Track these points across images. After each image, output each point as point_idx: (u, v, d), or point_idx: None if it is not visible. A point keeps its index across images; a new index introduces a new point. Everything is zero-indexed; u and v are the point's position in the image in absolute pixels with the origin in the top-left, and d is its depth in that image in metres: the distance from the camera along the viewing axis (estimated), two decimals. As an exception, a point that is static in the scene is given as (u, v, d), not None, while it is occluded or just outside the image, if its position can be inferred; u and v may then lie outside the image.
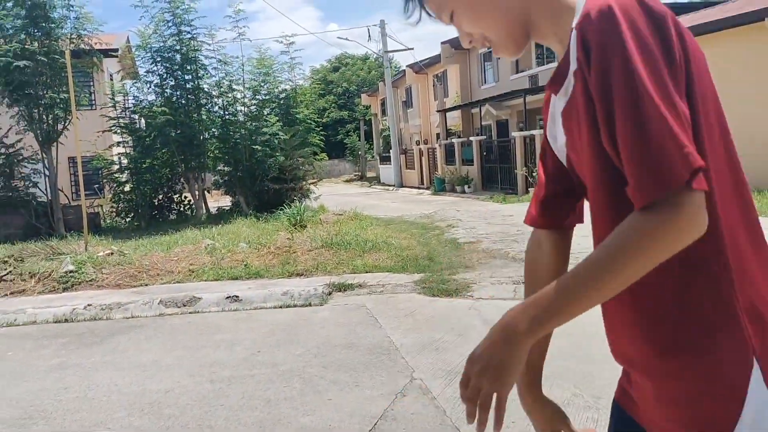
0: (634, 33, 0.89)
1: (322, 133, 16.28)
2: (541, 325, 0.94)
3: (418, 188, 27.21)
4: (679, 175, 0.84)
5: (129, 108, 14.74)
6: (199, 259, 8.53)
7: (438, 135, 28.88)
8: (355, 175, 43.70)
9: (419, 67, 30.74)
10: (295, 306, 6.49)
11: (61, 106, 12.78)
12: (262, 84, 15.14)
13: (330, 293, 6.81)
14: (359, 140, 43.81)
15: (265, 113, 14.94)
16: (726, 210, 0.95)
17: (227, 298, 6.70)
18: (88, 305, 6.66)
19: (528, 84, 21.54)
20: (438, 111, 28.84)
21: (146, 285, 7.60)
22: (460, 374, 1.02)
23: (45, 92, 12.80)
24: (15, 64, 11.83)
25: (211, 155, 15.12)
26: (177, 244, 9.61)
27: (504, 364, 0.96)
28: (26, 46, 12.31)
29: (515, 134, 19.17)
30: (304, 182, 15.45)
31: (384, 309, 6.07)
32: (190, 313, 6.46)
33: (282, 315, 6.19)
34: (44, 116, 13.00)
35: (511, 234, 10.12)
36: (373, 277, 7.32)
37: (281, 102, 15.28)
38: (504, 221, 12.03)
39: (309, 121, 15.40)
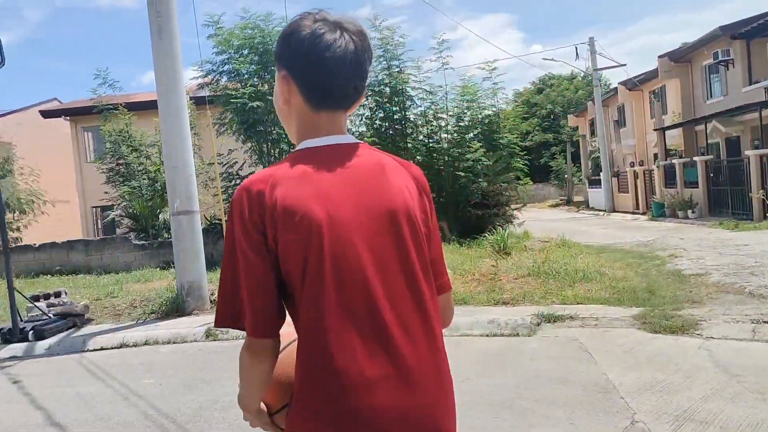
0: None
1: (525, 156, 15.98)
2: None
3: (633, 213, 25.49)
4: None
5: (350, 136, 15.82)
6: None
7: (655, 155, 26.85)
8: (560, 200, 42.30)
9: (633, 84, 28.98)
10: (502, 335, 6.36)
11: (286, 140, 14.09)
12: (466, 111, 15.31)
13: (539, 324, 6.57)
14: (566, 163, 42.37)
15: (468, 139, 15.07)
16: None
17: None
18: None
19: (764, 96, 19.20)
20: (655, 129, 26.85)
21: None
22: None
23: (273, 129, 14.22)
24: (249, 105, 13.31)
25: (415, 183, 15.55)
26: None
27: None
28: (258, 88, 13.81)
29: (749, 153, 17.12)
30: (507, 207, 15.24)
31: (599, 344, 5.70)
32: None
33: (489, 343, 6.09)
34: (272, 150, 14.43)
35: (746, 266, 8.98)
36: (586, 309, 6.92)
37: (484, 127, 15.32)
38: (737, 251, 10.72)
39: (513, 145, 15.22)
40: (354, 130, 15.55)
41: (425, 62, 14.96)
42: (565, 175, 41.84)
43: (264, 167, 14.39)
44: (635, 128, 30.81)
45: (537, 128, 43.84)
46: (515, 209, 15.47)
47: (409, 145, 14.73)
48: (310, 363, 1.31)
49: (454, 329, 6.59)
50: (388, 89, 14.64)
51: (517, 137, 15.56)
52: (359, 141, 1.48)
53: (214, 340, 7.17)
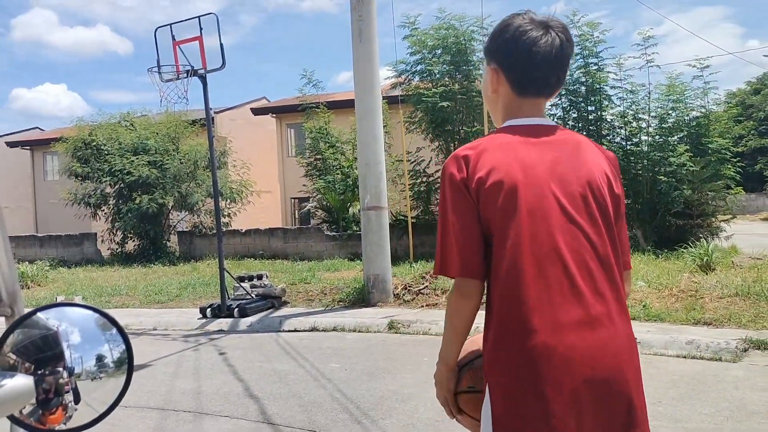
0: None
1: (738, 163, 14.40)
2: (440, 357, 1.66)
3: None
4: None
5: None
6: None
7: None
8: (776, 212, 37.58)
9: None
10: (701, 358, 5.81)
11: (474, 138, 14.10)
12: (670, 112, 14.16)
13: (746, 349, 5.90)
14: (785, 171, 37.58)
15: (672, 142, 13.93)
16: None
17: (623, 337, 6.38)
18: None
19: None
20: None
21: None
22: None
23: (460, 128, 14.32)
24: (440, 104, 13.53)
25: (608, 187, 14.77)
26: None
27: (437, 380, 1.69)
28: (449, 88, 13.97)
29: None
30: (713, 218, 13.85)
31: (822, 379, 4.99)
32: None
33: (686, 366, 5.60)
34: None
35: None
36: (806, 338, 6.09)
37: (691, 130, 14.06)
38: None
39: (723, 150, 13.79)
40: (544, 129, 15.14)
41: (627, 59, 14.06)
42: (784, 185, 37.10)
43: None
44: None
45: (752, 132, 39.29)
46: (723, 221, 14.02)
47: (605, 146, 13.95)
48: (507, 302, 1.46)
49: (646, 347, 6.16)
50: (584, 88, 14.02)
51: (728, 142, 14.08)
52: (558, 124, 1.66)
53: (396, 332, 7.42)
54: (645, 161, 13.87)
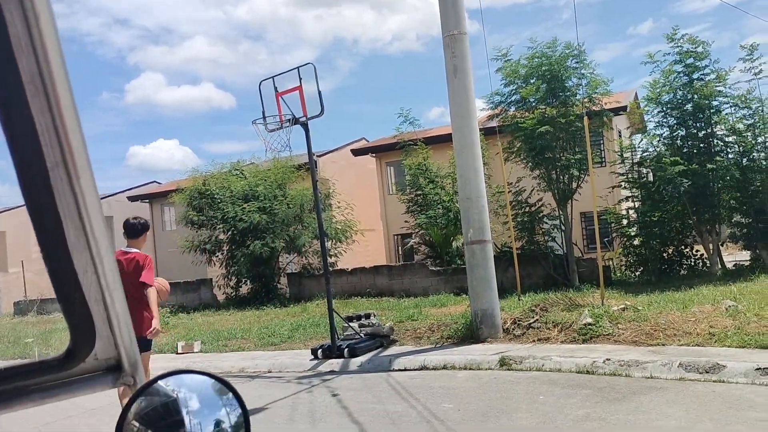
0: None
1: None
2: None
3: None
4: None
5: (637, 162, 14.81)
6: (720, 321, 7.78)
7: None
8: None
9: None
10: None
11: (576, 165, 13.71)
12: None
13: None
14: None
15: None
16: None
17: (757, 369, 5.89)
18: (607, 359, 6.79)
19: None
20: None
21: (663, 345, 7.32)
22: None
23: (562, 154, 13.97)
24: (538, 130, 13.30)
25: (726, 205, 13.85)
26: (692, 303, 9.01)
27: None
28: (546, 113, 13.73)
29: None
30: None
31: None
32: (713, 381, 5.91)
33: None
34: (561, 176, 14.16)
35: None
36: None
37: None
38: None
39: None
40: (651, 149, 14.49)
41: (734, 71, 13.29)
42: None
43: (553, 194, 14.29)
44: None
45: None
46: None
47: (718, 164, 13.15)
48: None
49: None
50: (689, 105, 13.35)
51: None
52: None
53: (508, 369, 7.23)
54: (764, 175, 12.95)
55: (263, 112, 9.24)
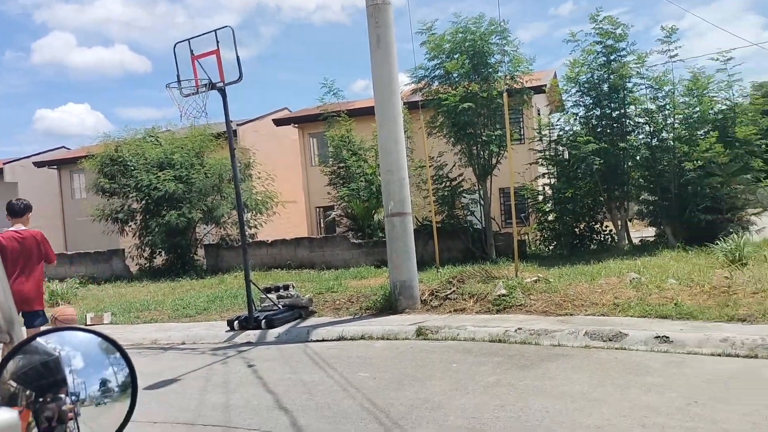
0: None
1: (766, 156, 14.06)
2: None
3: None
4: None
5: (554, 140, 15.26)
6: (624, 292, 8.20)
7: None
8: (810, 203, 36.60)
9: None
10: (737, 356, 5.66)
11: (496, 142, 13.99)
12: (696, 105, 13.91)
13: (784, 346, 5.73)
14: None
15: (698, 135, 13.68)
16: None
17: (656, 337, 6.24)
18: (519, 329, 7.03)
19: None
20: None
21: (571, 314, 7.65)
22: None
23: (483, 131, 14.20)
24: (461, 106, 13.45)
25: (635, 183, 14.54)
26: (600, 275, 9.45)
27: None
28: (469, 89, 13.88)
29: None
30: (743, 212, 13.56)
31: None
32: (616, 348, 6.23)
33: (721, 365, 5.46)
34: (481, 152, 14.42)
35: None
36: None
37: (716, 124, 13.79)
38: None
39: (751, 143, 13.49)
40: (568, 129, 14.96)
41: (651, 54, 13.83)
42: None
43: (473, 169, 14.55)
44: None
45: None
46: (753, 214, 13.71)
47: (629, 144, 13.76)
48: None
49: (679, 346, 6.03)
50: (606, 86, 13.84)
51: (756, 133, 13.77)
52: None
53: (425, 339, 7.36)
54: (671, 155, 13.64)
55: (178, 76, 8.89)
